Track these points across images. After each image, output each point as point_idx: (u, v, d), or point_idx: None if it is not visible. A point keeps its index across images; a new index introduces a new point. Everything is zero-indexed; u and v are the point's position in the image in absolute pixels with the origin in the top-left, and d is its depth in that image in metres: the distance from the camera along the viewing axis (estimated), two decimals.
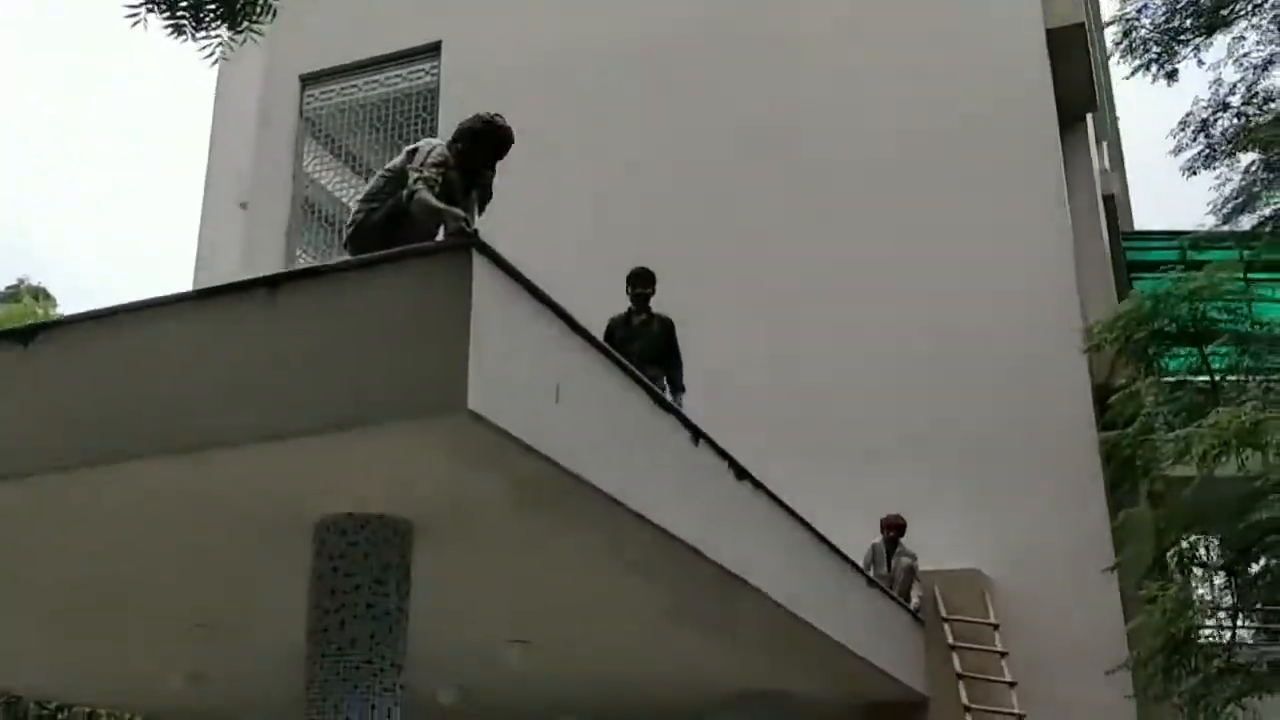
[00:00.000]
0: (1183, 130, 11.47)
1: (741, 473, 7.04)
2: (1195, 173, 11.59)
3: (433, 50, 16.27)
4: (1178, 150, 11.54)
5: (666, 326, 9.02)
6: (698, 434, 6.42)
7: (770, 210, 13.95)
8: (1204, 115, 11.40)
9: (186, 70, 79.98)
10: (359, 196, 6.10)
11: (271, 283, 4.71)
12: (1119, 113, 24.29)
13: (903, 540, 11.29)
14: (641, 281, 9.01)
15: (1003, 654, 10.91)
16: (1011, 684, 10.66)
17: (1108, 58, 14.95)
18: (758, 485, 7.29)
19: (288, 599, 5.74)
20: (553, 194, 14.27)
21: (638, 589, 7.12)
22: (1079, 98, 14.57)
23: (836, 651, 8.80)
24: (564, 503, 5.33)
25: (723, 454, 6.77)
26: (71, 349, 4.99)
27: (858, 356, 12.96)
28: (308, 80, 17.01)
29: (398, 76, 16.49)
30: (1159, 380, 10.56)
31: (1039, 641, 11.08)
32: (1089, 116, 15.59)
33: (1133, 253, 18.50)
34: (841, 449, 12.42)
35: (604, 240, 13.79)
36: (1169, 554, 9.98)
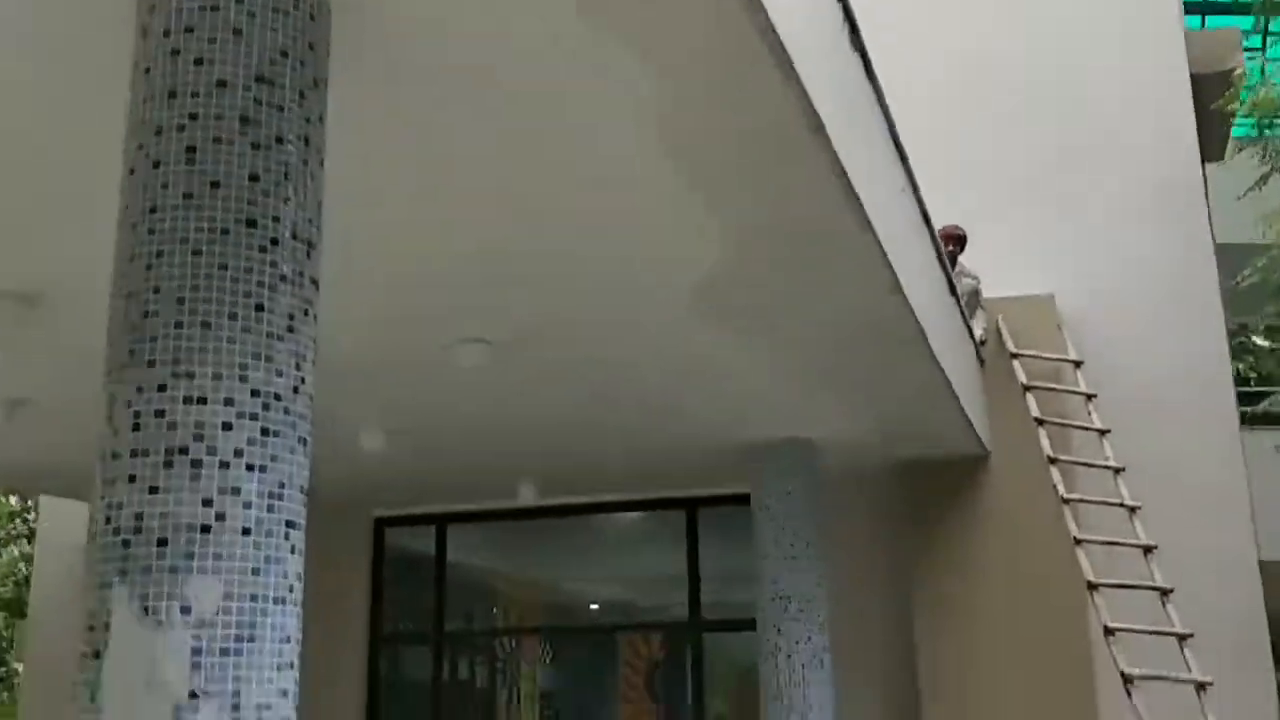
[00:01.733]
0: None
1: (858, 40, 4.48)
2: None
3: None
4: None
5: None
6: None
7: None
8: None
9: None
10: None
11: None
12: None
13: (962, 258, 8.88)
14: None
15: (1090, 396, 8.64)
16: (1104, 431, 8.43)
17: None
18: (870, 72, 4.75)
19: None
20: None
21: (689, 223, 4.59)
22: None
23: (919, 362, 6.42)
24: None
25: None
26: None
27: (920, 41, 10.10)
28: None
29: None
30: None
31: (1126, 386, 8.82)
32: None
33: None
34: None
35: None
36: None
